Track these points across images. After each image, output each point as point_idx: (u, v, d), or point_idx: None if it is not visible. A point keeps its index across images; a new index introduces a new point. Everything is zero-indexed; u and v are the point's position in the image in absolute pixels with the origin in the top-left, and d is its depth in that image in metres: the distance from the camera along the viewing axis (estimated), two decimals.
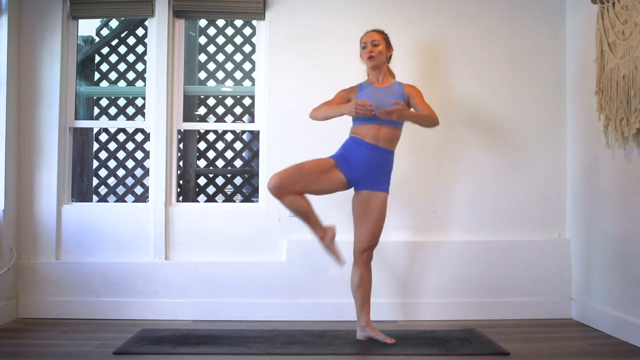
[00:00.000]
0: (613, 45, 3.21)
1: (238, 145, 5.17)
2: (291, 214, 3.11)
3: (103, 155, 5.10)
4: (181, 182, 5.02)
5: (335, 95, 3.30)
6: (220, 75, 5.01)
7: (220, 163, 5.28)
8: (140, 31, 5.00)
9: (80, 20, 3.97)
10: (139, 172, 5.06)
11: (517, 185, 3.82)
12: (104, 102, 5.17)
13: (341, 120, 3.57)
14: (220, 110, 5.30)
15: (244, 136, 5.58)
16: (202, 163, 5.35)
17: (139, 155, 5.05)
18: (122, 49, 5.03)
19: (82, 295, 3.68)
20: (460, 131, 3.82)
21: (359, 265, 3.13)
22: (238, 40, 4.94)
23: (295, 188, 3.01)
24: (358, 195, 3.17)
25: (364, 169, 3.12)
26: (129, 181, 5.08)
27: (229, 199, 5.24)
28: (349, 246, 3.18)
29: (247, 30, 4.94)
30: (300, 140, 3.75)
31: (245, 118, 5.31)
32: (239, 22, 4.92)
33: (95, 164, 5.11)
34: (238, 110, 5.26)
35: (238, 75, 4.99)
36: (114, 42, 5.05)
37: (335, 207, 3.42)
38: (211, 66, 5.00)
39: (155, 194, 3.78)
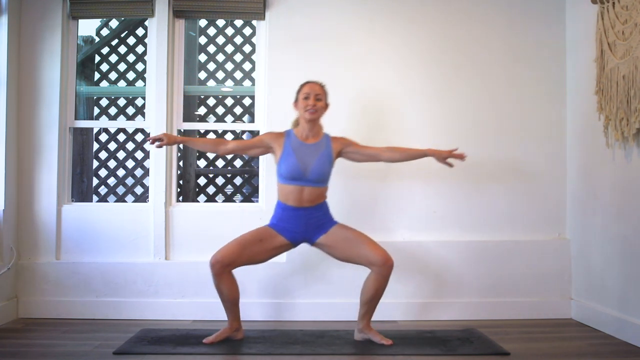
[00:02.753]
0: (613, 45, 3.21)
1: None
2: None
3: (103, 155, 5.10)
4: (181, 182, 5.02)
5: (259, 136, 3.23)
6: (220, 75, 5.01)
7: (220, 163, 5.28)
8: (140, 31, 5.01)
9: (80, 20, 3.96)
10: (139, 172, 5.06)
11: (517, 185, 3.82)
12: (104, 102, 5.18)
13: (340, 120, 3.57)
14: (220, 110, 5.30)
15: (244, 136, 5.58)
16: (202, 163, 5.36)
17: (139, 155, 5.06)
18: (122, 49, 5.03)
19: (82, 295, 3.68)
20: (460, 131, 3.81)
21: (381, 276, 3.00)
22: (238, 40, 4.95)
23: (241, 261, 3.05)
24: (322, 245, 3.13)
25: (302, 228, 3.10)
26: (129, 181, 5.08)
27: (229, 199, 5.25)
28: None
29: (247, 30, 4.94)
30: None
31: (245, 118, 5.31)
32: (239, 22, 4.93)
33: (95, 164, 5.12)
34: (238, 110, 5.26)
35: (238, 75, 4.99)
36: (114, 42, 5.06)
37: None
38: (211, 66, 5.00)
39: (155, 194, 3.78)
